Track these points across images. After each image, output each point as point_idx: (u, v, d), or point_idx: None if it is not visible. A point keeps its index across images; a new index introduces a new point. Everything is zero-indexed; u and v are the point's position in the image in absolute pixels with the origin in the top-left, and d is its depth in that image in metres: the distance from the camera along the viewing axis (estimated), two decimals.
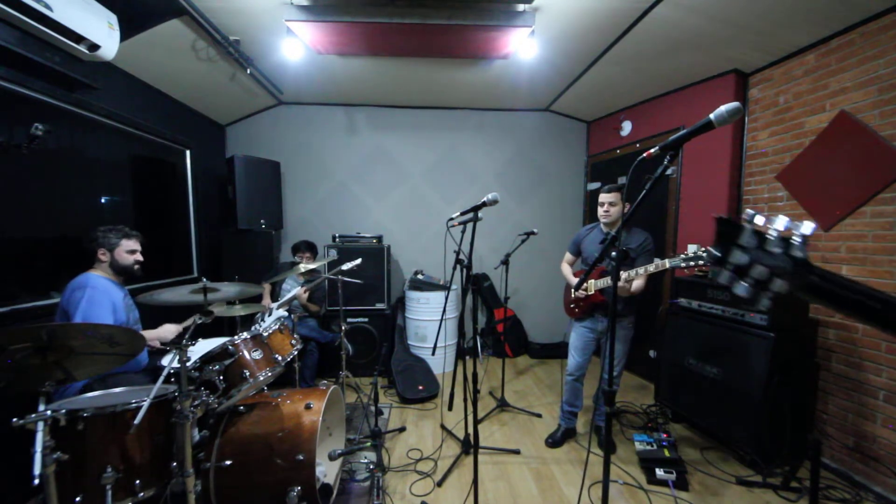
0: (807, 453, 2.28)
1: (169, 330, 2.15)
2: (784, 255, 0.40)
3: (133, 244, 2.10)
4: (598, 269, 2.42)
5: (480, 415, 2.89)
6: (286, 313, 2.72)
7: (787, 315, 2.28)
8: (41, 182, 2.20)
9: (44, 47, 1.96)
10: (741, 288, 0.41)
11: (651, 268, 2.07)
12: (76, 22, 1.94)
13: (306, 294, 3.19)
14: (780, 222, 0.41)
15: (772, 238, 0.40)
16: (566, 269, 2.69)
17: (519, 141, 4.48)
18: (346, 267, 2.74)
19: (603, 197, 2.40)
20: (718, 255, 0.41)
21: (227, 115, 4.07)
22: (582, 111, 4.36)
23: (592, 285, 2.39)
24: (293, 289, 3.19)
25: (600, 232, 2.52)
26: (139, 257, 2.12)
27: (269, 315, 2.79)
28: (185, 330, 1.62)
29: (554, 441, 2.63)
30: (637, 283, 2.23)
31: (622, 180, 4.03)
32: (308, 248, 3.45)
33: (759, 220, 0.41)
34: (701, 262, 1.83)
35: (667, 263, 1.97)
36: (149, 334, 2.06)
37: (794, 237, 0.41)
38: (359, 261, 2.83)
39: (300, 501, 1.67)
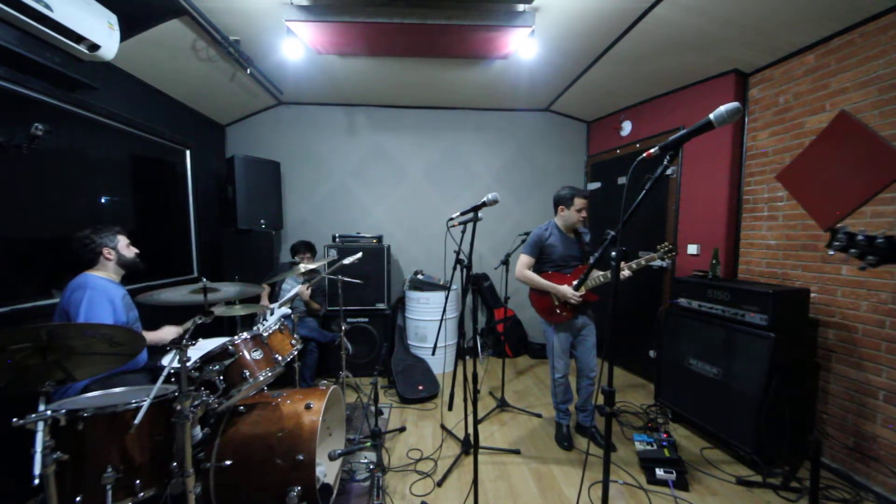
0: (807, 453, 2.29)
1: (169, 332, 2.15)
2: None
3: (126, 238, 2.15)
4: (578, 271, 2.54)
5: (480, 415, 2.90)
6: (289, 310, 2.72)
7: (786, 315, 2.28)
8: (41, 182, 2.20)
9: (44, 47, 1.96)
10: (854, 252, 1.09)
11: (643, 261, 2.35)
12: (76, 22, 1.94)
13: (309, 290, 3.19)
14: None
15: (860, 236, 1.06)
16: (533, 274, 2.56)
17: (519, 141, 4.48)
18: (347, 261, 2.77)
19: (583, 203, 2.52)
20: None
21: (227, 115, 4.06)
22: (582, 111, 4.35)
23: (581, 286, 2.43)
24: (293, 288, 3.19)
25: (560, 232, 2.60)
26: (135, 249, 2.18)
27: (272, 315, 2.79)
28: (185, 331, 1.62)
29: (569, 442, 2.60)
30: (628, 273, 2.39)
31: (622, 180, 4.04)
32: (307, 249, 3.49)
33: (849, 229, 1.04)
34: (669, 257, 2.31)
35: (655, 257, 2.35)
36: (148, 336, 2.06)
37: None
38: (360, 254, 2.86)
39: (300, 501, 1.67)
